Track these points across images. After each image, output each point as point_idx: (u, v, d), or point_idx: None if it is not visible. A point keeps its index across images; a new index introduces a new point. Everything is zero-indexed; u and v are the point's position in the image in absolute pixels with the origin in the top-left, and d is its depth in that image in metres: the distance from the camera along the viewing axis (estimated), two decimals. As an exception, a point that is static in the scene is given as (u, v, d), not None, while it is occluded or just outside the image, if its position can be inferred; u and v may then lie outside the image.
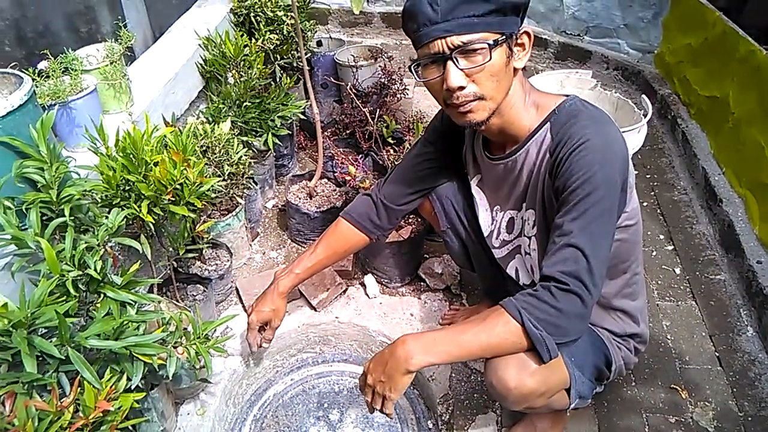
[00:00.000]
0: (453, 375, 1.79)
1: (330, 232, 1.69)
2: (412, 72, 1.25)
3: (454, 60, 1.16)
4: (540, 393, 1.26)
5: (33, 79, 1.39)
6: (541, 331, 1.15)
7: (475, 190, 1.54)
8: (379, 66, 2.77)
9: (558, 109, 1.26)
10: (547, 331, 1.15)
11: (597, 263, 1.14)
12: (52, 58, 1.70)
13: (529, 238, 1.39)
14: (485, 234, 1.55)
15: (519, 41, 1.21)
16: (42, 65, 1.69)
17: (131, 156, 1.37)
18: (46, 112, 1.33)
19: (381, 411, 1.27)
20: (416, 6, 1.16)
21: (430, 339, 1.21)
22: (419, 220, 2.12)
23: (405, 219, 2.14)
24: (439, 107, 1.46)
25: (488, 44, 1.14)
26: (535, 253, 1.38)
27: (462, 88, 1.19)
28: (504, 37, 1.16)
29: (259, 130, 2.27)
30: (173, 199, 1.43)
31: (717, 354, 1.82)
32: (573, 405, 1.40)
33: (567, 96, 1.29)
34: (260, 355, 1.91)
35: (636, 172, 2.62)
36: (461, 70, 1.17)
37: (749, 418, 1.63)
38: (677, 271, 2.13)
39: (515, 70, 1.24)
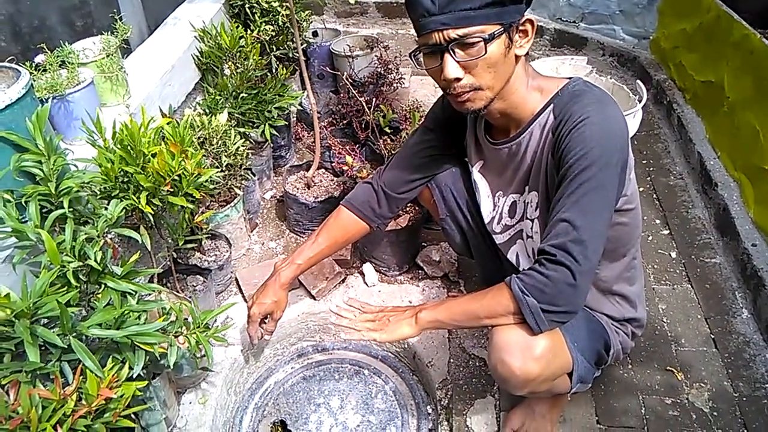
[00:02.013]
0: (452, 360, 1.81)
1: (331, 221, 1.69)
2: (412, 59, 1.27)
3: (451, 52, 1.18)
4: (544, 377, 1.28)
5: (30, 73, 1.40)
6: (527, 296, 1.18)
7: (478, 176, 1.54)
8: (375, 56, 2.77)
9: (561, 90, 1.27)
10: (533, 296, 1.18)
11: (589, 236, 1.15)
12: (49, 52, 1.71)
13: (532, 220, 1.40)
14: (486, 220, 1.56)
15: (521, 29, 1.22)
16: (39, 59, 1.70)
17: (129, 148, 1.39)
18: (44, 105, 1.35)
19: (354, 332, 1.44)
20: None
21: (437, 303, 1.39)
22: (417, 208, 2.13)
23: (402, 207, 2.15)
24: (438, 95, 1.48)
25: (484, 38, 1.15)
26: (537, 235, 1.39)
27: (459, 79, 1.21)
28: (502, 28, 1.16)
29: (256, 121, 2.28)
30: (172, 190, 1.44)
31: (712, 336, 1.84)
32: (574, 389, 1.42)
33: (570, 78, 1.30)
34: (261, 346, 1.93)
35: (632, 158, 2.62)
36: (458, 61, 1.18)
37: (744, 399, 1.65)
38: (673, 255, 2.15)
39: (517, 57, 1.24)
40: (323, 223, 1.71)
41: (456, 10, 1.14)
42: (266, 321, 1.72)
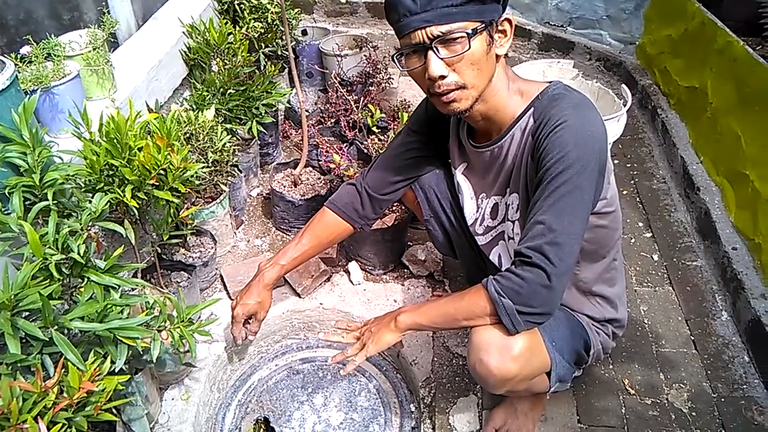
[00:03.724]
0: (435, 359, 1.81)
1: (315, 222, 1.69)
2: (395, 62, 1.28)
3: (435, 49, 1.18)
4: (522, 376, 1.29)
5: (15, 64, 1.39)
6: (503, 297, 1.19)
7: (461, 179, 1.55)
8: (364, 55, 2.78)
9: (541, 94, 1.29)
10: (508, 297, 1.19)
11: (565, 239, 1.16)
12: (35, 44, 1.70)
13: (513, 222, 1.41)
14: (469, 222, 1.57)
15: (500, 28, 1.23)
16: (24, 50, 1.69)
17: (115, 140, 1.38)
18: (29, 97, 1.34)
19: (351, 362, 1.43)
20: None
21: (417, 306, 1.39)
22: (403, 207, 2.14)
23: (387, 208, 2.16)
24: (423, 96, 1.48)
25: (467, 33, 1.16)
26: (518, 237, 1.40)
27: (443, 77, 1.21)
28: (484, 24, 1.18)
29: (243, 117, 2.27)
30: (157, 183, 1.44)
31: (692, 337, 1.86)
32: (553, 389, 1.43)
33: (551, 82, 1.32)
34: (245, 346, 1.93)
35: (616, 161, 2.66)
36: (441, 59, 1.19)
37: (722, 399, 1.67)
38: (655, 257, 2.17)
39: (497, 56, 1.25)
40: (307, 223, 1.71)
41: (438, 7, 1.15)
42: (250, 321, 1.71)
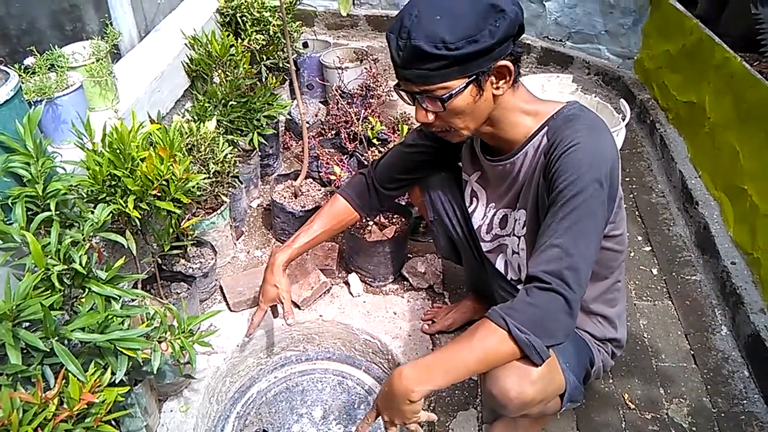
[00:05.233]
0: (435, 372, 1.81)
1: (325, 209, 1.73)
2: (397, 93, 1.30)
3: (419, 101, 1.23)
4: (538, 400, 1.26)
5: (19, 76, 1.40)
6: (528, 335, 1.14)
7: (476, 186, 1.56)
8: (365, 68, 2.80)
9: (557, 114, 1.28)
10: (534, 334, 1.14)
11: (582, 263, 1.15)
12: (38, 55, 1.71)
13: (519, 237, 1.41)
14: (475, 226, 1.58)
15: (498, 71, 1.19)
16: (28, 62, 1.70)
17: (118, 151, 1.38)
18: (33, 108, 1.34)
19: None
20: (389, 44, 1.20)
21: (425, 366, 1.19)
22: (403, 219, 2.15)
23: (389, 219, 2.17)
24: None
25: (440, 98, 1.18)
26: (524, 252, 1.40)
27: (428, 124, 1.26)
28: (466, 83, 1.17)
29: (244, 129, 2.28)
30: (159, 194, 1.44)
31: (692, 352, 1.86)
32: (564, 408, 1.42)
33: (568, 102, 1.31)
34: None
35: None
36: (425, 109, 1.23)
37: (722, 414, 1.67)
38: (654, 271, 2.18)
39: (496, 95, 1.23)
40: (317, 211, 1.75)
41: (415, 68, 1.17)
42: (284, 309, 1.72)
